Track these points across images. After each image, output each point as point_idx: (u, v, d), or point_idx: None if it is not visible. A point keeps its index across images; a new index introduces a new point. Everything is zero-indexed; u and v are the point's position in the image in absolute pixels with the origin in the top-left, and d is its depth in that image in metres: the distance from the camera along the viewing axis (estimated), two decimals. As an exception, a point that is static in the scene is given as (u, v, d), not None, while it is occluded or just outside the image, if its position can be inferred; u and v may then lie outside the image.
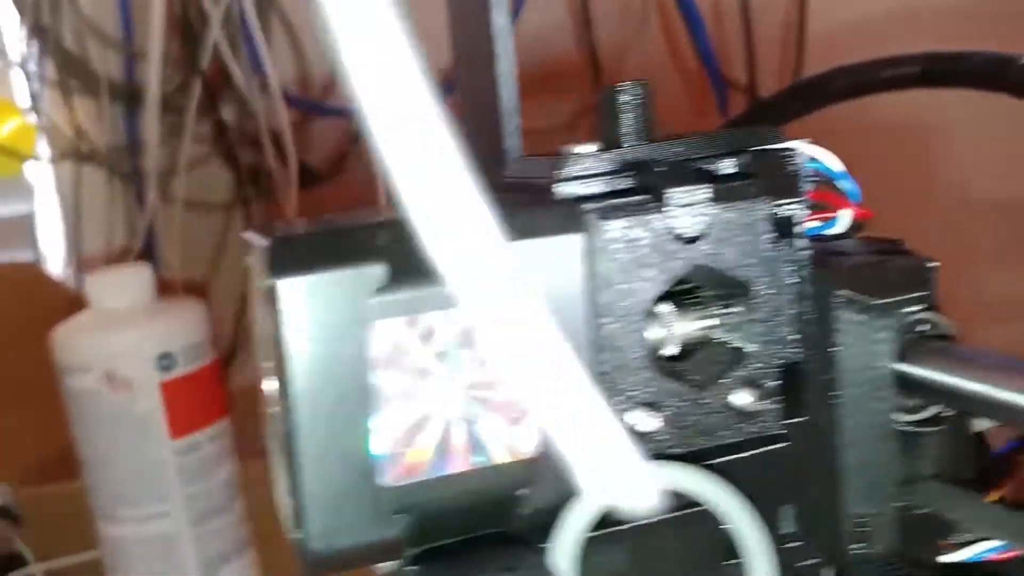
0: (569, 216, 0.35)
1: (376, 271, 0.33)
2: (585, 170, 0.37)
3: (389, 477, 0.33)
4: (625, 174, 0.37)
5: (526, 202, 0.37)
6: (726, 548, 0.37)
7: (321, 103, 1.20)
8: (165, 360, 0.91)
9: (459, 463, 0.34)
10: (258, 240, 0.35)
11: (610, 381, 0.36)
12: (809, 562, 0.38)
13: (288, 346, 0.32)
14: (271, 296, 0.32)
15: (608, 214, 0.35)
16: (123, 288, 0.93)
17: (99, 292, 0.93)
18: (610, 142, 0.38)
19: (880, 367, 0.36)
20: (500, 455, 0.34)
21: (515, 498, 0.35)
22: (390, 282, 0.33)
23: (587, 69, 1.22)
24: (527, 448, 0.35)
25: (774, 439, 0.38)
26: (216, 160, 1.19)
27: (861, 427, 0.37)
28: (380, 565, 0.36)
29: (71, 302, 1.06)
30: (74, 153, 1.15)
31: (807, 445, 0.38)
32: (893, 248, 0.39)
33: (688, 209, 0.36)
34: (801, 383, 0.38)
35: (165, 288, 0.99)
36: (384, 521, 0.34)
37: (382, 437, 0.33)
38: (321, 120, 1.20)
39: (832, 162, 0.41)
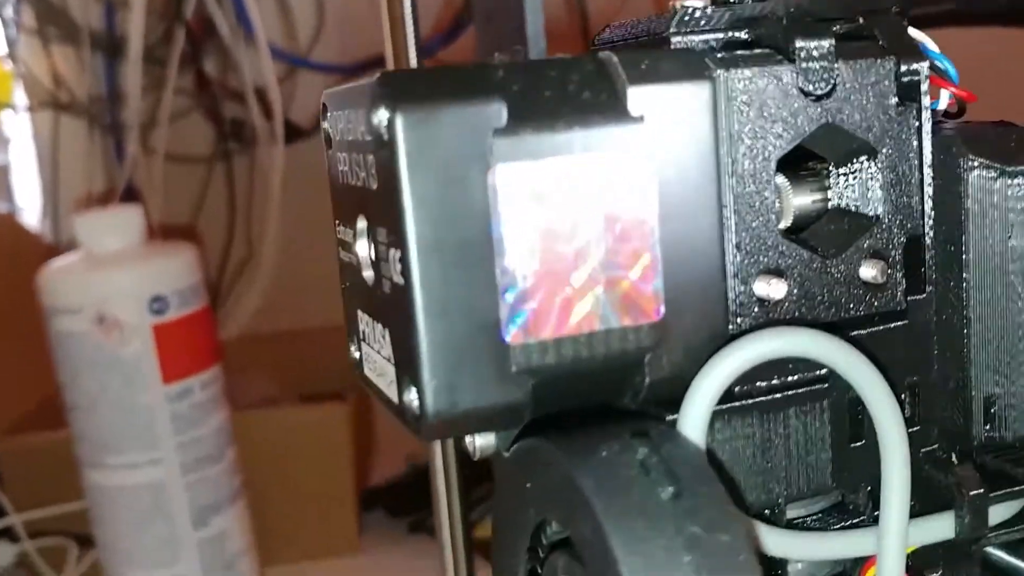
0: (694, 63, 0.32)
1: (496, 108, 0.29)
2: (701, 24, 0.33)
3: (513, 335, 0.30)
4: (743, 28, 0.33)
5: (657, 54, 0.33)
6: (853, 430, 0.34)
7: (307, 57, 1.15)
8: (158, 303, 0.87)
9: (585, 323, 0.30)
10: (355, 85, 0.31)
11: (737, 244, 0.32)
12: (930, 447, 0.35)
13: (406, 186, 0.29)
14: (388, 129, 0.28)
15: (735, 63, 0.32)
16: (115, 229, 0.88)
17: (90, 233, 0.88)
18: None
19: (1015, 238, 0.33)
20: (626, 317, 0.31)
21: (640, 364, 0.31)
22: (511, 122, 0.29)
23: (577, 36, 1.19)
24: (652, 309, 0.31)
25: (896, 316, 0.34)
26: (198, 113, 1.14)
27: (993, 301, 0.34)
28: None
29: (48, 254, 1.01)
30: (52, 103, 1.10)
31: (929, 322, 0.35)
32: (1006, 125, 0.36)
33: (816, 64, 0.32)
34: (924, 255, 0.35)
35: (152, 235, 0.94)
36: (508, 381, 0.30)
37: (505, 292, 0.30)
38: (307, 74, 1.15)
39: (929, 43, 0.38)
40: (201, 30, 1.10)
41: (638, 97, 0.30)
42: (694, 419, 0.31)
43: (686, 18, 0.33)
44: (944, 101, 0.38)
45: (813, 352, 0.32)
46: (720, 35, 0.33)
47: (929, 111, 0.34)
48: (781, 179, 0.34)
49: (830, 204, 0.35)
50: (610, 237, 0.31)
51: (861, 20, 0.34)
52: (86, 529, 0.94)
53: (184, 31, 1.07)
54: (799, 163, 0.35)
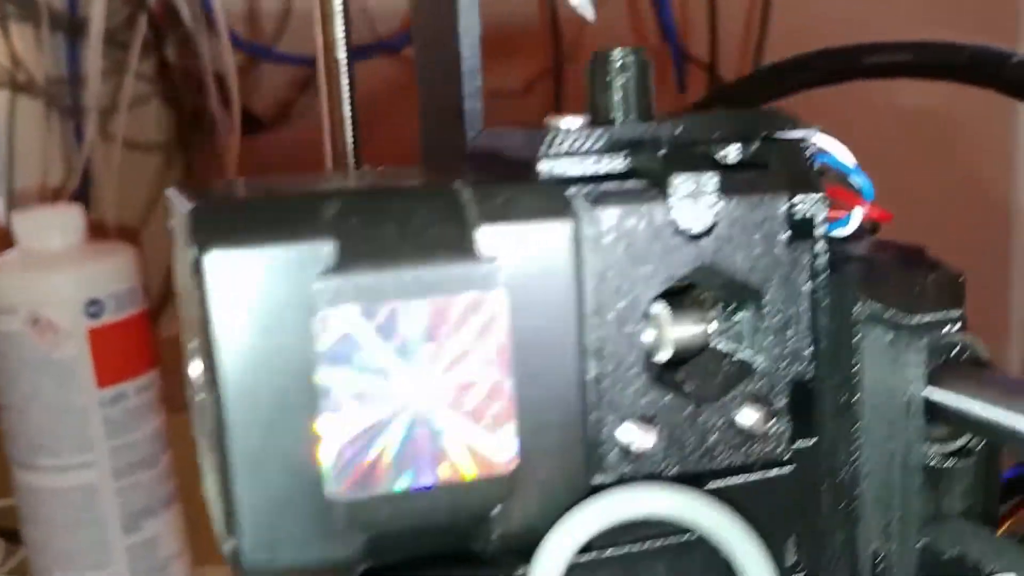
0: (557, 198, 0.28)
1: (325, 248, 0.26)
2: (574, 147, 0.30)
3: (340, 489, 0.27)
4: (619, 154, 0.30)
5: (502, 178, 0.30)
6: None
7: (269, 47, 1.11)
8: (93, 307, 0.84)
9: (423, 476, 0.28)
10: (183, 201, 0.28)
11: (601, 391, 0.29)
12: None
13: (217, 332, 0.26)
14: (196, 271, 0.25)
15: (602, 200, 0.29)
16: (53, 228, 0.85)
17: (27, 231, 0.85)
18: (600, 117, 0.32)
19: (909, 392, 0.30)
20: (471, 468, 0.28)
21: (488, 517, 0.28)
22: (341, 262, 0.26)
23: (547, 36, 1.15)
24: (503, 460, 0.28)
25: (781, 463, 0.31)
26: (158, 100, 1.10)
27: (883, 456, 0.31)
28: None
29: (2, 237, 0.98)
30: (9, 83, 1.06)
31: (818, 471, 0.32)
32: (917, 257, 0.33)
33: (694, 200, 0.29)
34: (814, 403, 0.32)
35: (97, 231, 0.91)
36: (335, 538, 0.27)
37: (331, 443, 0.27)
38: (269, 65, 1.11)
39: (844, 155, 0.34)
40: (164, 15, 1.06)
41: (491, 236, 0.27)
42: (542, 577, 0.28)
43: (558, 140, 0.30)
44: (856, 221, 0.35)
45: (674, 514, 0.29)
46: (594, 161, 0.30)
47: (824, 250, 0.31)
48: (660, 308, 0.31)
49: (711, 341, 0.31)
50: (455, 384, 0.27)
51: (758, 144, 0.31)
52: (14, 526, 0.92)
53: (147, 15, 1.03)
54: (686, 288, 0.32)
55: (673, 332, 0.31)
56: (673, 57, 1.10)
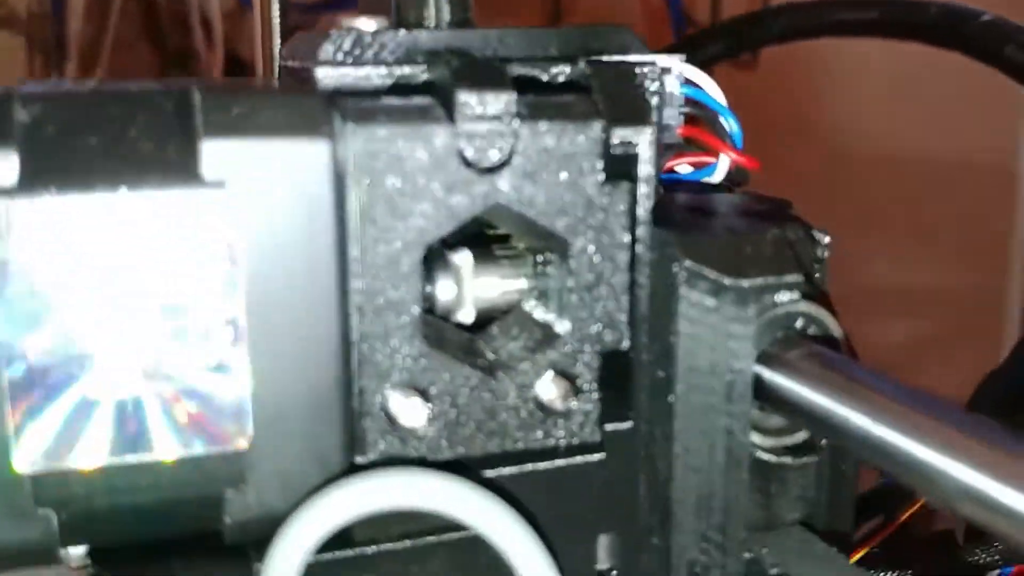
0: (311, 112, 0.23)
1: (7, 162, 0.21)
2: (360, 54, 0.25)
3: (26, 461, 0.22)
4: (417, 67, 0.25)
5: (261, 93, 0.25)
6: None
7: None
8: None
9: (129, 449, 0.23)
10: None
11: (365, 354, 0.24)
12: None
13: None
14: None
15: (369, 117, 0.24)
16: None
17: None
18: (405, 20, 0.27)
19: (733, 370, 0.25)
20: (192, 442, 0.23)
21: (216, 502, 0.24)
22: (25, 180, 0.21)
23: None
24: (233, 434, 0.23)
25: (588, 448, 0.26)
26: (143, 42, 1.06)
27: (704, 447, 0.25)
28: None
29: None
30: (-10, 16, 1.02)
31: (634, 460, 0.27)
32: (777, 211, 0.28)
33: (485, 125, 0.24)
34: (629, 378, 0.26)
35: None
36: (25, 517, 0.23)
37: (15, 408, 0.22)
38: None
39: (714, 91, 0.29)
40: (153, -47, 1.02)
41: (218, 154, 0.22)
42: (279, 572, 0.23)
43: (344, 45, 0.25)
44: (723, 167, 0.30)
45: (435, 507, 0.24)
46: (382, 72, 0.25)
47: (648, 195, 0.26)
48: (463, 258, 0.26)
49: (524, 299, 0.26)
50: (171, 337, 0.23)
51: (583, 64, 0.26)
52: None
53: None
54: (501, 238, 0.27)
55: (475, 288, 0.26)
56: (673, 19, 1.03)
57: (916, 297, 1.03)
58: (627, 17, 1.10)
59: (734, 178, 0.30)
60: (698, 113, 0.29)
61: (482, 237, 0.26)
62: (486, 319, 0.26)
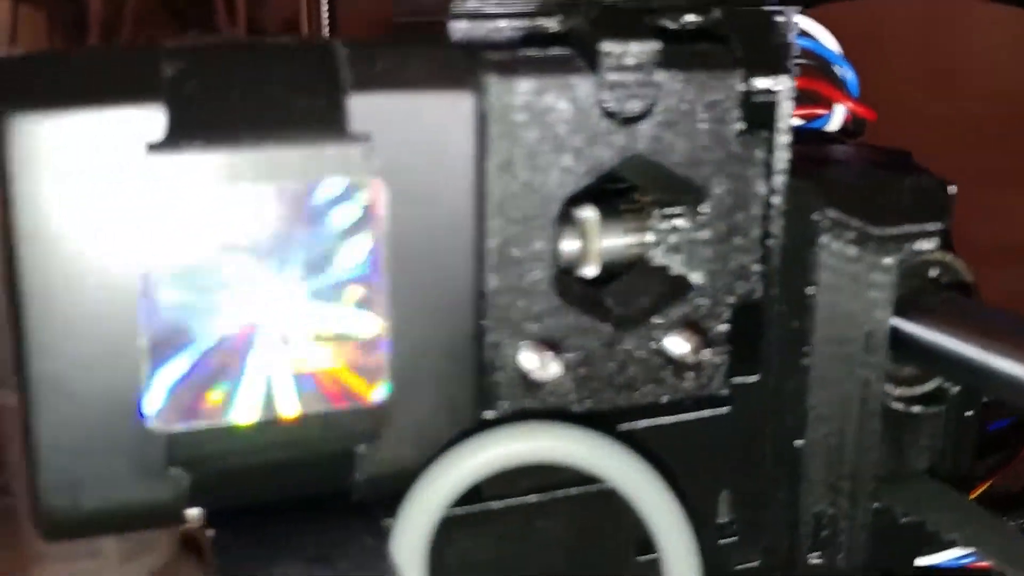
0: (456, 65, 0.23)
1: (154, 116, 0.21)
2: (494, 5, 0.24)
3: (163, 418, 0.22)
4: (551, 19, 0.25)
5: (405, 47, 0.24)
6: (642, 538, 0.26)
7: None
8: None
9: (267, 406, 0.22)
10: None
11: (500, 307, 0.24)
12: (748, 565, 0.27)
13: (18, 216, 0.20)
14: None
15: (513, 69, 0.23)
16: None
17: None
18: None
19: (872, 320, 0.24)
20: (331, 397, 0.23)
21: (349, 458, 0.23)
22: (173, 134, 0.21)
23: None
24: (371, 389, 0.23)
25: (717, 401, 0.26)
26: (164, 14, 1.05)
27: (838, 398, 0.25)
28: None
29: None
30: (11, -9, 1.01)
31: (761, 414, 0.27)
32: (900, 162, 0.27)
33: (628, 75, 0.23)
34: (760, 330, 0.26)
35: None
36: (154, 476, 0.22)
37: (154, 362, 0.22)
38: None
39: (829, 42, 0.29)
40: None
41: (365, 108, 0.22)
42: (407, 537, 0.23)
43: (478, -2, 0.24)
44: (839, 118, 0.29)
45: (571, 460, 0.24)
46: (521, 23, 0.24)
47: (787, 143, 0.25)
48: (589, 212, 0.25)
49: (650, 253, 0.26)
50: (310, 293, 0.22)
51: (717, 12, 0.25)
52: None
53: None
54: (622, 193, 0.26)
55: (602, 242, 0.26)
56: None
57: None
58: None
59: (849, 129, 0.29)
60: (811, 63, 0.29)
61: (605, 192, 0.26)
62: (611, 275, 0.26)
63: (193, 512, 0.25)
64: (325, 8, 0.60)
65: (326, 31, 0.62)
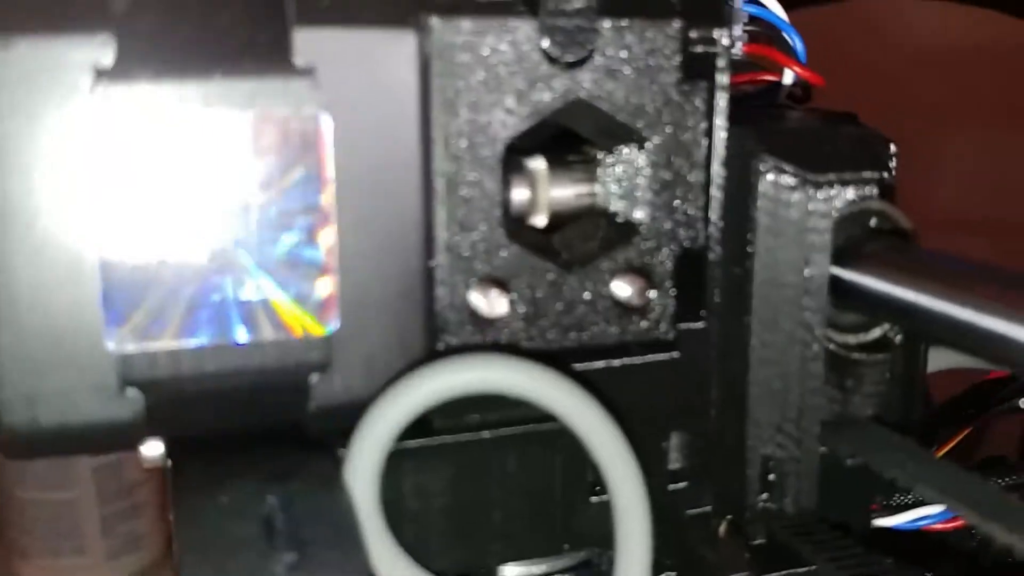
0: (398, 4, 0.24)
1: (102, 46, 0.22)
2: None
3: (118, 341, 0.23)
4: None
5: None
6: (593, 480, 0.27)
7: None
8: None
9: (220, 331, 0.23)
10: None
11: (448, 244, 0.25)
12: (699, 510, 0.28)
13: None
14: None
15: (456, 10, 0.24)
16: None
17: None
18: None
19: (812, 266, 0.25)
20: (280, 326, 0.23)
21: (302, 386, 0.24)
22: (120, 64, 0.22)
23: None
24: (321, 318, 0.24)
25: (663, 345, 0.27)
26: None
27: (781, 342, 0.26)
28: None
29: None
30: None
31: (708, 359, 0.27)
32: (846, 119, 0.28)
33: (569, 21, 0.24)
34: (704, 276, 0.27)
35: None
36: (111, 396, 0.23)
37: (111, 283, 0.22)
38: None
39: (776, 8, 0.29)
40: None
41: (309, 42, 0.23)
42: (360, 462, 0.24)
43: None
44: (787, 83, 0.30)
45: (517, 389, 0.24)
46: None
47: (725, 92, 0.26)
48: (538, 162, 0.26)
49: (598, 200, 0.27)
50: (261, 223, 0.23)
51: None
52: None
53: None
54: (571, 144, 0.27)
55: (550, 192, 0.26)
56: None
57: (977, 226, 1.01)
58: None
59: (797, 96, 0.30)
60: (760, 31, 0.30)
61: (555, 144, 0.27)
62: (560, 224, 0.27)
63: (154, 451, 0.25)
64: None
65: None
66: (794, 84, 0.30)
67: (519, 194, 0.26)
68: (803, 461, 0.26)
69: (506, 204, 0.26)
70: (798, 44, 0.30)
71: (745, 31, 0.29)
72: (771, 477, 0.27)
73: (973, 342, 0.22)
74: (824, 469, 0.26)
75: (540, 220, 0.26)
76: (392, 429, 0.24)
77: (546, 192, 0.26)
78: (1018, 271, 0.22)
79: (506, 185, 0.26)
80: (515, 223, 0.26)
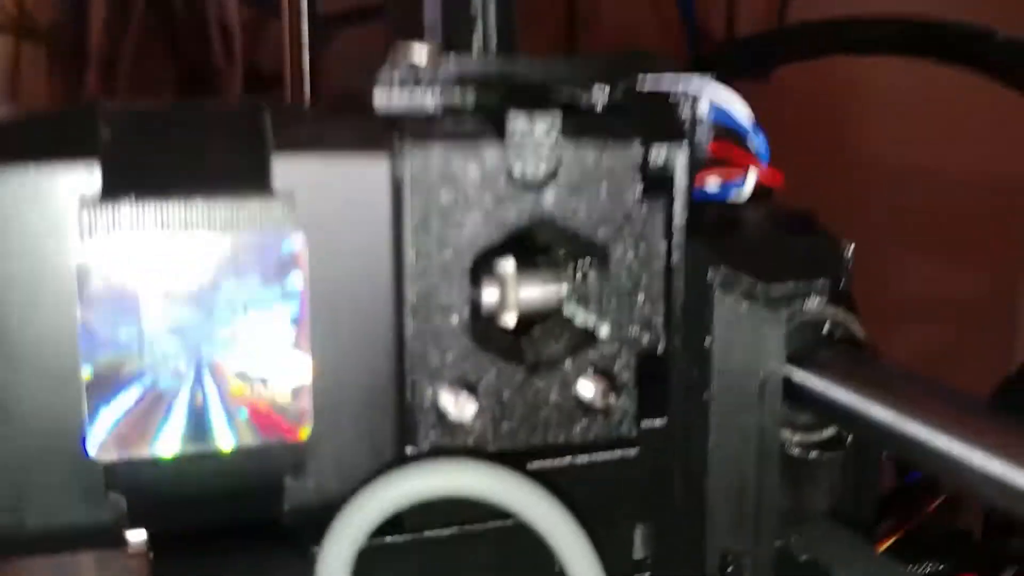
0: (373, 131, 0.25)
1: (87, 173, 0.23)
2: (414, 77, 0.27)
3: (100, 449, 0.24)
4: (468, 90, 0.27)
5: (327, 114, 0.27)
6: (562, 572, 0.28)
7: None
8: None
9: (197, 439, 0.25)
10: None
11: (419, 352, 0.26)
12: None
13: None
14: None
15: (426, 136, 0.25)
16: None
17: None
18: (456, 46, 0.28)
19: (766, 370, 0.26)
20: (256, 432, 0.25)
21: (277, 489, 0.25)
22: (108, 188, 0.23)
23: (562, 5, 1.11)
24: (295, 425, 0.25)
25: (625, 443, 0.28)
26: (162, 52, 1.08)
27: (737, 442, 0.27)
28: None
29: None
30: (13, 29, 1.04)
31: (669, 455, 0.28)
32: (802, 222, 0.30)
33: (533, 143, 0.26)
34: (664, 378, 0.28)
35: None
36: (94, 500, 0.25)
37: (92, 396, 0.24)
38: (277, 22, 1.08)
39: (741, 112, 0.31)
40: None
41: (287, 168, 0.24)
42: (332, 561, 0.25)
43: (398, 72, 0.27)
44: (750, 184, 0.32)
45: (481, 494, 0.26)
46: (435, 95, 0.27)
47: (683, 207, 0.27)
48: (508, 266, 0.27)
49: (565, 304, 0.28)
50: (240, 335, 0.24)
51: (622, 88, 0.28)
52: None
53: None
54: (542, 248, 0.28)
55: (520, 293, 0.28)
56: (688, 32, 1.04)
57: (932, 306, 1.04)
58: (642, 30, 1.11)
59: (758, 193, 0.31)
60: (727, 129, 0.31)
61: (526, 246, 0.28)
62: (529, 324, 0.28)
63: (138, 539, 0.27)
64: (306, 58, 0.64)
65: (307, 78, 0.65)
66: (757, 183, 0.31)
67: (489, 295, 0.27)
68: (759, 555, 0.27)
69: (476, 304, 0.27)
70: (761, 146, 0.31)
71: (712, 132, 0.31)
72: (730, 570, 0.28)
73: (912, 452, 0.23)
74: (779, 562, 0.28)
75: (510, 319, 0.28)
76: (361, 534, 0.25)
77: (515, 293, 0.28)
78: (964, 393, 0.23)
79: (476, 285, 0.27)
80: (484, 323, 0.27)
